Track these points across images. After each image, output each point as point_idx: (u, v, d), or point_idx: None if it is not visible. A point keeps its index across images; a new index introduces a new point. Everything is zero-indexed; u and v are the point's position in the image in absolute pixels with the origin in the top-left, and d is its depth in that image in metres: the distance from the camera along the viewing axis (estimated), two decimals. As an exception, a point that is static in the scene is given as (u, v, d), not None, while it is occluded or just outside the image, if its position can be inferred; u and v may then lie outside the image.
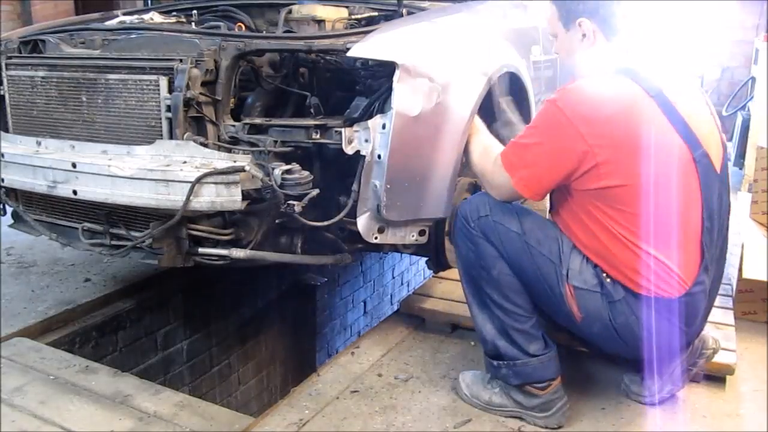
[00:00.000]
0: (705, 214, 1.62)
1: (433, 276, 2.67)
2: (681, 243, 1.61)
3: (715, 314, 2.38)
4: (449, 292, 2.55)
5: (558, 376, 1.80)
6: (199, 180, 1.82)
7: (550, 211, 1.84)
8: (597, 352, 1.99)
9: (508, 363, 1.79)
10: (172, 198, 1.87)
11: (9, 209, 2.56)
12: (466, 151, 1.99)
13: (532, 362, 1.76)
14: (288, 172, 1.86)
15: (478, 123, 2.02)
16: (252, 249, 2.04)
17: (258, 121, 2.01)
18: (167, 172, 1.87)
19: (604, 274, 1.66)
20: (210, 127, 1.99)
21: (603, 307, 1.66)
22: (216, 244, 2.05)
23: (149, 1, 6.43)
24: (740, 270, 2.48)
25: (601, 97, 1.58)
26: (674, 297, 1.62)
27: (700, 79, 6.35)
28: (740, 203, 2.89)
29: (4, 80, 2.32)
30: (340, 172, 2.03)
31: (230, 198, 1.85)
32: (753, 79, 5.23)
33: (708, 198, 1.62)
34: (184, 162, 1.90)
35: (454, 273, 2.60)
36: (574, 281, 1.67)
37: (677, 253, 1.61)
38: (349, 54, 1.85)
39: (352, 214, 1.95)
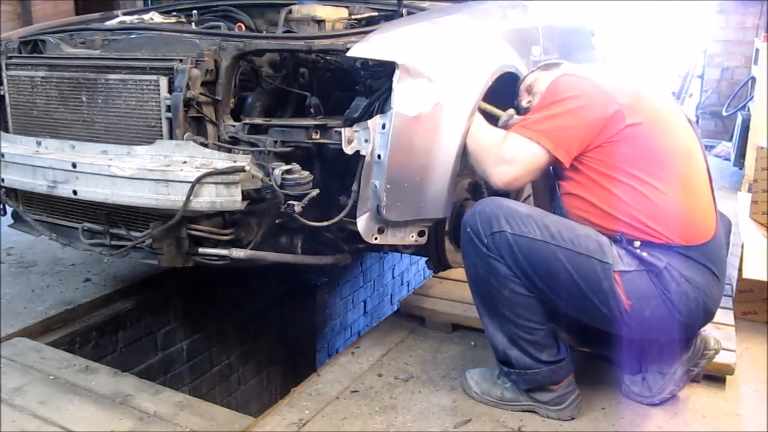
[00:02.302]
0: (707, 163, 1.79)
1: (433, 276, 2.67)
2: (698, 184, 1.72)
3: (716, 314, 2.38)
4: (449, 292, 2.55)
5: (571, 373, 1.80)
6: (199, 180, 1.82)
7: (553, 210, 1.84)
8: (599, 353, 1.99)
9: (519, 372, 1.78)
10: (172, 198, 1.87)
11: (9, 209, 2.56)
12: (466, 141, 1.92)
13: (543, 370, 1.75)
14: (288, 172, 1.86)
15: (478, 116, 1.99)
16: (252, 249, 2.04)
17: (258, 121, 2.01)
18: (167, 172, 1.87)
19: (638, 249, 1.63)
20: (210, 127, 1.99)
21: (652, 283, 1.63)
22: (216, 244, 2.04)
23: (149, 1, 6.43)
24: (740, 270, 2.48)
25: (612, 72, 1.81)
26: (708, 240, 1.66)
27: (699, 79, 6.36)
28: (740, 203, 2.89)
29: (4, 80, 2.32)
30: (340, 172, 2.03)
31: (230, 198, 1.85)
32: (753, 79, 5.23)
33: (703, 152, 1.79)
34: (184, 162, 1.90)
35: (454, 273, 2.61)
36: (618, 267, 1.63)
37: (697, 194, 1.70)
38: (349, 54, 1.85)
39: (352, 214, 1.95)
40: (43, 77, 2.21)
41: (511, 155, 1.71)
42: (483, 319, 1.81)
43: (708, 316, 1.75)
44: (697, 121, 6.41)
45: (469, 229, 1.71)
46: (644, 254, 1.63)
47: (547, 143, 1.67)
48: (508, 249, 1.64)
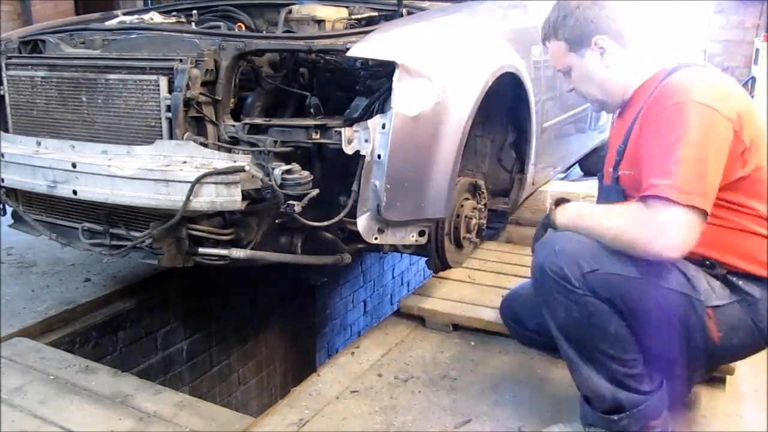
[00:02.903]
0: None
1: (433, 276, 2.67)
2: None
3: None
4: (449, 292, 2.55)
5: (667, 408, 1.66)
6: (199, 180, 1.82)
7: None
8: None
9: (630, 413, 1.59)
10: (172, 198, 1.87)
11: (9, 209, 2.56)
12: (592, 235, 1.55)
13: (651, 401, 1.60)
14: (288, 172, 1.86)
15: (568, 209, 1.64)
16: (252, 249, 2.04)
17: (258, 121, 2.01)
18: (167, 172, 1.87)
19: (734, 278, 1.53)
20: (210, 127, 1.99)
21: (744, 314, 1.53)
22: (216, 244, 2.04)
23: (149, 1, 6.43)
24: (740, 270, 2.48)
25: (716, 81, 1.53)
26: None
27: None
28: (740, 203, 2.89)
29: (4, 80, 2.33)
30: (340, 172, 2.03)
31: (230, 198, 1.85)
32: (753, 79, 5.24)
33: None
34: (184, 162, 1.90)
35: (454, 273, 2.62)
36: (711, 302, 1.51)
37: None
38: (349, 54, 1.85)
39: (352, 214, 1.95)
40: (43, 77, 2.21)
41: (665, 227, 1.42)
42: (580, 371, 1.60)
43: None
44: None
45: (552, 274, 1.52)
46: (740, 283, 1.53)
47: (701, 203, 1.40)
48: (603, 287, 1.51)
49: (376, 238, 2.01)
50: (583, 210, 1.61)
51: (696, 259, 1.52)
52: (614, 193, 1.65)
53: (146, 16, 2.62)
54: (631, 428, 1.60)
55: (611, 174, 1.68)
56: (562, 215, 1.61)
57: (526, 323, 1.88)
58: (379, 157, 1.87)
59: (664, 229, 1.41)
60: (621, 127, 1.71)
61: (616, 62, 1.65)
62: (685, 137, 1.43)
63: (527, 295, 1.81)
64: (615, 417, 1.59)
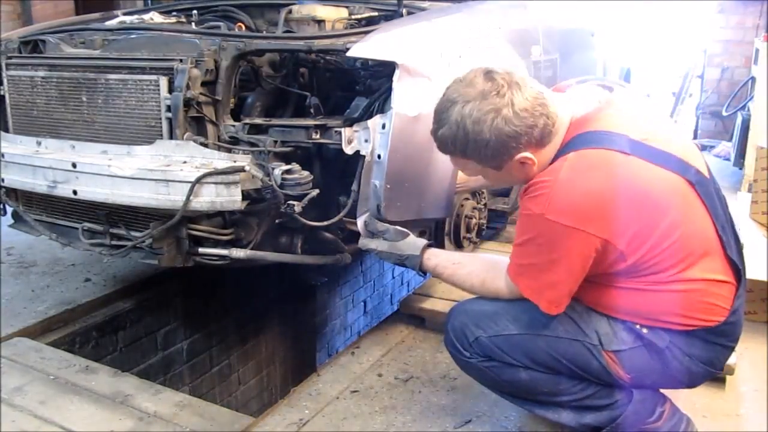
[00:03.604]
0: (718, 227, 1.45)
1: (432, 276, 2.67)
2: (710, 267, 1.44)
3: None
4: (449, 292, 2.54)
5: (666, 401, 1.61)
6: (199, 180, 1.82)
7: None
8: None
9: (611, 427, 1.56)
10: (172, 198, 1.87)
11: (9, 209, 2.56)
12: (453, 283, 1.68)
13: (628, 407, 1.55)
14: (288, 172, 1.86)
15: (435, 256, 1.71)
16: (252, 249, 2.04)
17: (258, 121, 2.01)
18: (167, 172, 1.87)
19: (638, 326, 1.47)
20: (210, 127, 1.99)
21: (651, 358, 1.48)
22: (216, 244, 2.05)
23: (149, 1, 6.43)
24: (740, 270, 2.48)
25: (588, 189, 1.35)
26: (721, 320, 1.45)
27: (699, 79, 6.36)
28: (740, 203, 2.89)
29: (5, 80, 2.33)
30: (340, 172, 2.03)
31: (230, 198, 1.85)
32: (753, 79, 5.23)
33: (714, 210, 1.45)
34: (184, 162, 1.90)
35: (454, 273, 2.61)
36: (611, 347, 1.47)
37: (710, 277, 1.44)
38: (349, 54, 1.85)
39: (352, 214, 1.95)
40: (43, 77, 2.21)
41: (518, 298, 1.51)
42: (541, 414, 1.62)
43: (709, 377, 1.60)
44: (697, 121, 6.41)
45: (451, 349, 1.62)
46: (644, 331, 1.47)
47: (549, 308, 1.45)
48: (492, 350, 1.55)
49: (376, 238, 2.00)
50: (447, 273, 1.68)
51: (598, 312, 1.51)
52: None
53: (146, 16, 2.62)
54: None
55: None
56: (428, 263, 1.70)
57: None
58: (379, 157, 1.87)
59: (513, 298, 1.52)
60: None
61: (538, 162, 1.44)
62: (531, 243, 1.43)
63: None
64: None
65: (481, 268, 1.64)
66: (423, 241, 1.74)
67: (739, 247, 1.56)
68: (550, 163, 1.43)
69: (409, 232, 1.78)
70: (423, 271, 1.74)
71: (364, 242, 1.87)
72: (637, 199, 1.36)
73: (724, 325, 1.46)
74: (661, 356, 1.47)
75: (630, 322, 1.48)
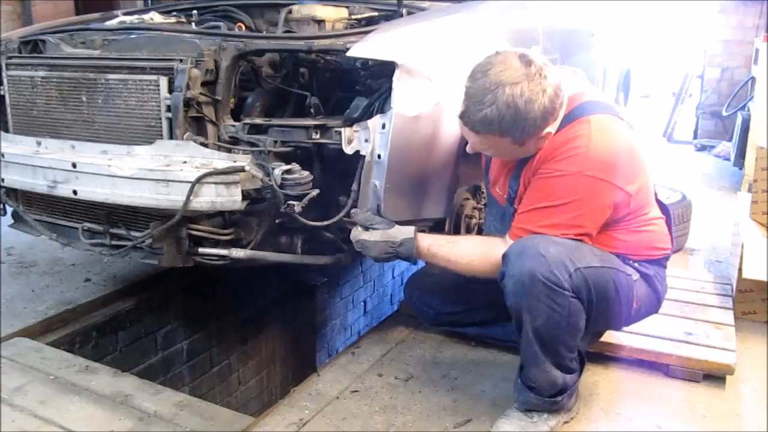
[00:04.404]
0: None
1: (433, 276, 2.67)
2: (655, 207, 1.85)
3: (715, 314, 2.38)
4: (449, 292, 2.55)
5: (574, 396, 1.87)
6: (199, 180, 1.82)
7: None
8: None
9: (570, 391, 1.77)
10: (172, 198, 1.87)
11: (9, 209, 2.56)
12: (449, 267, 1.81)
13: (575, 375, 1.79)
14: (288, 172, 1.86)
15: (427, 237, 1.84)
16: (252, 249, 2.04)
17: (258, 121, 2.01)
18: (167, 172, 1.87)
19: (632, 261, 1.78)
20: (210, 127, 1.99)
21: (647, 286, 1.80)
22: (216, 244, 2.05)
23: (149, 1, 6.43)
24: (740, 270, 2.48)
25: (615, 147, 1.64)
26: (671, 249, 1.87)
27: (699, 79, 6.36)
28: (740, 203, 2.89)
29: (5, 80, 2.33)
30: (340, 172, 2.03)
31: (230, 198, 1.85)
32: (753, 79, 5.23)
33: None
34: (184, 162, 1.90)
35: (454, 273, 2.61)
36: (635, 276, 1.77)
37: (659, 215, 1.85)
38: (349, 54, 1.85)
39: (352, 214, 1.95)
40: (43, 77, 2.21)
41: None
42: (543, 367, 1.70)
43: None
44: (697, 121, 6.41)
45: (545, 280, 1.58)
46: (636, 265, 1.79)
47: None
48: (584, 284, 1.63)
49: (376, 238, 2.00)
50: (443, 254, 1.79)
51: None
52: (508, 219, 1.80)
53: (146, 16, 2.62)
54: (567, 404, 1.79)
55: (505, 200, 1.86)
56: (422, 243, 1.80)
57: (433, 304, 2.16)
58: (379, 157, 1.87)
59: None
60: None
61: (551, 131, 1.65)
62: (566, 204, 1.62)
63: (434, 280, 2.14)
64: (559, 398, 1.75)
65: (476, 242, 1.83)
66: (412, 228, 1.82)
67: None
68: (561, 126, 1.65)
69: (394, 222, 1.85)
70: (417, 257, 1.80)
71: (355, 234, 1.88)
72: (639, 155, 1.70)
73: (669, 254, 1.87)
74: (650, 282, 1.81)
75: (630, 261, 1.77)
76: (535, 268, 1.57)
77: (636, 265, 1.79)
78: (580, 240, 1.65)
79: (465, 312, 2.14)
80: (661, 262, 1.85)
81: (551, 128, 1.62)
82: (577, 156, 1.60)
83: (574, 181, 1.60)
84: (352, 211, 1.90)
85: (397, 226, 1.84)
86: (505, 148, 1.68)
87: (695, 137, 6.36)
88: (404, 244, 1.79)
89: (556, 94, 1.57)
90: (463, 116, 1.63)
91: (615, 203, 1.65)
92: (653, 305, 1.88)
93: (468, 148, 1.81)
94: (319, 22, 2.30)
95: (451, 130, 2.00)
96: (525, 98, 1.53)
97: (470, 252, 1.76)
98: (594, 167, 1.59)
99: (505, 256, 1.65)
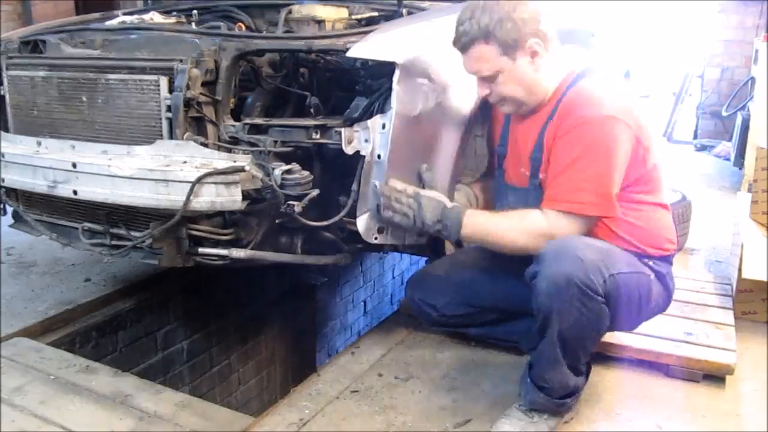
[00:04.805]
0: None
1: (433, 276, 2.67)
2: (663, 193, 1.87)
3: (715, 314, 2.38)
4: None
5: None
6: (199, 180, 1.82)
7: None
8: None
9: (578, 394, 1.80)
10: (172, 198, 1.87)
11: (9, 209, 2.56)
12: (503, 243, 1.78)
13: (584, 378, 1.81)
14: (288, 172, 1.86)
15: (470, 212, 1.81)
16: (252, 249, 2.04)
17: (258, 121, 2.01)
18: (167, 172, 1.87)
19: (645, 259, 1.79)
20: (210, 127, 1.99)
21: (660, 286, 1.81)
22: (216, 244, 2.04)
23: (149, 1, 6.42)
24: (740, 270, 2.48)
25: (620, 98, 1.71)
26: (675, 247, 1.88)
27: (699, 79, 6.35)
28: (740, 203, 2.89)
29: (5, 80, 2.33)
30: (340, 172, 2.03)
31: (230, 198, 1.85)
32: (753, 79, 5.23)
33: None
34: (184, 162, 1.90)
35: (454, 273, 2.61)
36: (652, 276, 1.78)
37: (665, 202, 1.87)
38: (348, 54, 1.85)
39: (352, 214, 1.95)
40: (43, 77, 2.21)
41: (565, 232, 1.69)
42: (560, 369, 1.70)
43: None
44: (697, 121, 6.41)
45: (580, 284, 1.57)
46: (651, 263, 1.80)
47: (597, 211, 1.71)
48: (615, 290, 1.64)
49: (376, 238, 2.00)
50: (489, 225, 1.77)
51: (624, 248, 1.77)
52: (534, 197, 1.79)
53: (146, 16, 2.62)
54: (573, 406, 1.81)
55: (529, 178, 1.82)
56: (468, 227, 1.76)
57: (437, 306, 2.10)
58: (379, 157, 1.87)
59: (562, 233, 1.68)
60: (528, 131, 1.82)
61: (544, 65, 1.72)
62: (594, 153, 1.66)
63: (437, 282, 2.11)
64: (568, 400, 1.76)
65: (515, 217, 1.76)
66: (457, 204, 1.85)
67: None
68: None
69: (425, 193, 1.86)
70: (460, 228, 1.76)
71: (410, 189, 1.83)
72: (644, 116, 1.73)
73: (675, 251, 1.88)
74: (663, 281, 1.82)
75: (646, 259, 1.78)
76: (573, 272, 1.56)
77: (651, 263, 1.80)
78: (606, 202, 1.68)
79: (469, 315, 2.11)
80: (670, 259, 1.87)
81: (539, 47, 1.68)
82: (592, 101, 1.67)
83: (598, 125, 1.65)
84: (422, 166, 1.93)
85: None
86: (500, 66, 1.70)
87: (695, 137, 6.36)
88: (454, 209, 1.78)
89: (538, 10, 1.67)
90: (455, 40, 1.72)
91: (632, 150, 1.69)
92: (664, 304, 1.90)
93: (478, 91, 1.82)
94: (319, 22, 2.30)
95: (451, 130, 2.00)
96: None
97: (513, 226, 1.74)
98: (612, 107, 1.65)
99: (540, 256, 1.63)
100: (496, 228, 1.75)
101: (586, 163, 1.66)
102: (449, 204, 1.81)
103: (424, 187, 1.89)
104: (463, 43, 1.71)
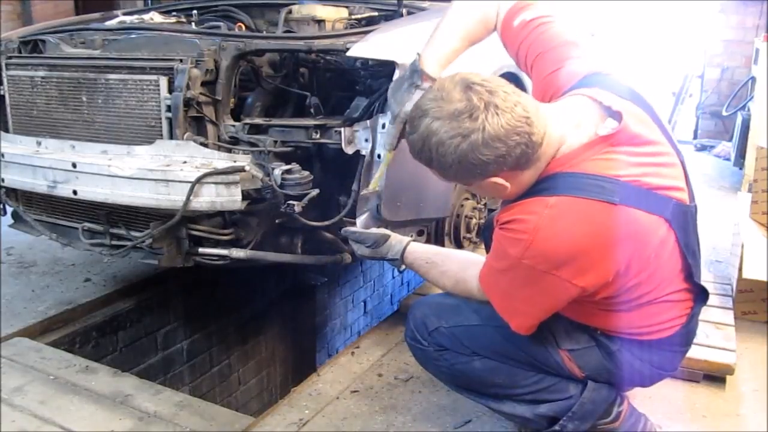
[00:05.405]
0: (687, 255, 1.42)
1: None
2: (668, 292, 1.44)
3: (715, 314, 2.38)
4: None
5: (624, 400, 1.61)
6: (199, 180, 1.82)
7: None
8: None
9: (568, 417, 1.55)
10: (172, 198, 1.87)
11: (9, 209, 2.56)
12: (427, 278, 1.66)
13: (582, 400, 1.54)
14: (288, 172, 1.86)
15: (412, 253, 1.62)
16: (252, 249, 2.04)
17: (258, 121, 2.01)
18: (167, 172, 1.87)
19: (592, 328, 1.50)
20: (210, 127, 1.99)
21: (603, 358, 1.51)
22: (216, 244, 2.05)
23: (149, 1, 6.43)
24: (740, 270, 2.48)
25: (571, 242, 1.30)
26: (672, 333, 1.48)
27: (699, 79, 6.35)
28: (740, 203, 2.89)
29: (5, 80, 2.32)
30: (340, 172, 2.03)
31: (230, 198, 1.85)
32: (753, 79, 5.23)
33: (685, 240, 1.41)
34: (184, 162, 1.90)
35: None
36: (566, 345, 1.51)
37: (666, 299, 1.44)
38: (348, 54, 1.85)
39: (352, 214, 1.95)
40: (43, 77, 2.21)
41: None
42: (494, 409, 1.63)
43: (663, 378, 1.62)
44: (697, 121, 6.41)
45: (410, 341, 1.62)
46: (598, 333, 1.50)
47: (520, 328, 1.44)
48: (450, 340, 1.56)
49: (376, 238, 2.00)
50: (427, 260, 1.61)
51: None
52: None
53: (146, 16, 2.62)
54: (580, 429, 1.57)
55: None
56: (407, 260, 1.62)
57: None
58: (379, 156, 1.87)
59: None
60: None
61: (516, 184, 1.37)
62: (505, 273, 1.38)
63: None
64: (557, 427, 1.57)
65: (456, 268, 1.58)
66: (406, 240, 1.65)
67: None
68: (533, 189, 1.36)
69: (389, 233, 1.66)
70: (402, 258, 1.64)
71: (351, 246, 1.74)
72: (619, 251, 1.32)
73: (675, 336, 1.48)
74: (612, 358, 1.49)
75: (585, 325, 1.51)
76: (406, 334, 1.65)
77: (595, 332, 1.50)
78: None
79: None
80: (643, 342, 1.49)
81: (499, 179, 1.33)
82: (519, 242, 1.32)
83: (513, 264, 1.35)
84: (344, 229, 1.73)
85: (387, 243, 1.64)
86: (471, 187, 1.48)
87: (695, 137, 6.36)
88: (394, 263, 1.64)
89: (489, 144, 1.26)
90: (409, 147, 1.42)
91: (571, 298, 1.36)
92: (621, 379, 1.55)
93: None
94: (319, 22, 2.30)
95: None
96: (438, 138, 1.29)
97: (444, 278, 1.60)
98: (534, 257, 1.31)
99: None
100: (428, 276, 1.63)
101: (508, 284, 1.41)
102: (387, 257, 1.64)
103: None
104: (410, 152, 1.40)
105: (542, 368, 1.55)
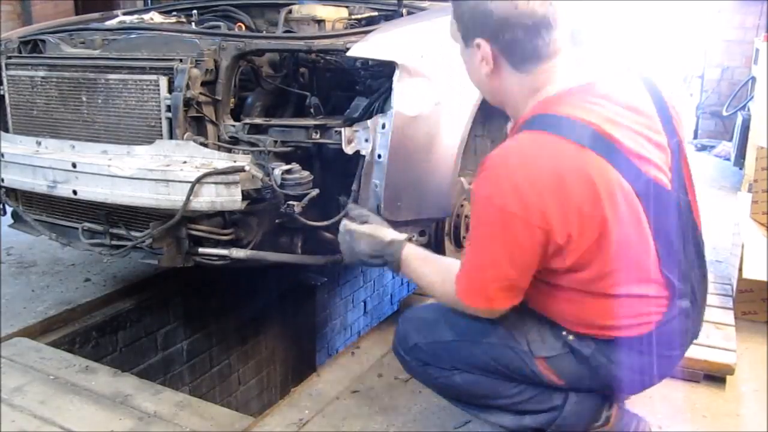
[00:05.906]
0: (658, 244, 1.38)
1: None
2: (638, 282, 1.40)
3: (715, 314, 2.38)
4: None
5: (613, 405, 1.58)
6: (199, 180, 1.82)
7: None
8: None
9: (553, 428, 1.54)
10: (172, 198, 1.87)
11: (9, 209, 2.56)
12: (419, 284, 1.63)
13: (567, 411, 1.53)
14: (288, 172, 1.86)
15: (411, 252, 1.59)
16: (252, 249, 2.04)
17: (258, 121, 2.01)
18: (167, 172, 1.87)
19: (565, 333, 1.47)
20: (210, 127, 1.99)
21: (579, 364, 1.48)
22: (216, 244, 2.05)
23: (149, 1, 6.43)
24: (740, 270, 2.48)
25: (534, 178, 1.28)
26: (645, 332, 1.42)
27: (699, 79, 6.35)
28: (740, 203, 2.89)
29: (4, 80, 2.33)
30: (340, 172, 2.03)
31: (230, 198, 1.85)
32: (753, 79, 5.23)
33: (658, 226, 1.37)
34: (184, 162, 1.90)
35: (454, 273, 2.61)
36: (541, 353, 1.48)
37: (636, 292, 1.40)
38: (349, 54, 1.86)
39: (352, 215, 1.95)
40: (43, 77, 2.21)
41: (472, 311, 1.49)
42: (486, 420, 1.62)
43: (653, 383, 1.57)
44: (697, 121, 6.41)
45: (396, 355, 1.66)
46: (570, 338, 1.47)
47: (499, 304, 1.42)
48: (430, 356, 1.57)
49: (376, 238, 2.00)
50: (419, 274, 1.59)
51: (535, 313, 1.50)
52: None
53: (146, 16, 2.62)
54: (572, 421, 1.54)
55: None
56: (406, 253, 1.59)
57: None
58: (379, 156, 1.87)
59: (466, 310, 1.47)
60: None
61: (499, 79, 1.39)
62: (478, 234, 1.38)
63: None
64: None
65: (445, 269, 1.54)
66: (405, 234, 1.65)
67: (702, 263, 1.52)
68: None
69: (389, 228, 1.68)
70: (399, 264, 1.60)
71: (345, 223, 1.70)
72: (582, 197, 1.28)
73: (650, 336, 1.43)
74: (587, 363, 1.47)
75: (558, 328, 1.48)
76: (393, 349, 1.67)
77: (567, 336, 1.47)
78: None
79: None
80: (616, 342, 1.44)
81: (485, 44, 1.34)
82: (488, 179, 1.32)
83: (483, 209, 1.34)
84: (348, 206, 1.85)
85: (390, 228, 1.68)
86: (462, 52, 1.47)
87: (695, 137, 6.36)
88: (393, 245, 1.59)
89: (511, 20, 1.29)
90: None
91: (540, 247, 1.32)
92: (601, 384, 1.52)
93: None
94: (319, 22, 2.30)
95: (451, 129, 2.00)
96: None
97: (435, 284, 1.56)
98: (501, 195, 1.29)
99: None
100: (421, 280, 1.61)
101: (480, 246, 1.39)
102: (388, 238, 1.62)
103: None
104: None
105: (522, 379, 1.53)
